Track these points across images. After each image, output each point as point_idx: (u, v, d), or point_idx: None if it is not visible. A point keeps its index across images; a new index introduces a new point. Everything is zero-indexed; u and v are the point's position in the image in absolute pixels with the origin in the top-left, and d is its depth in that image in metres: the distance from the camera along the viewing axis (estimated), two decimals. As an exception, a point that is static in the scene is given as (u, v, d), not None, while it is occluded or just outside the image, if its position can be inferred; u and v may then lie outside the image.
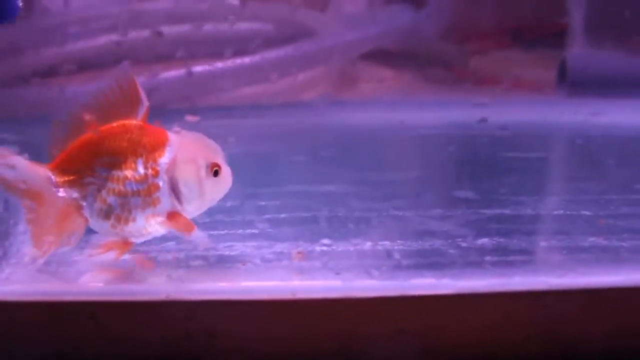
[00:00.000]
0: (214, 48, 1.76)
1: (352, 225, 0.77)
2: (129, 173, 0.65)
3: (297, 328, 0.65)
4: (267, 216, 0.79)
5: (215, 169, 0.67)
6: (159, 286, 0.66)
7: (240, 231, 0.75)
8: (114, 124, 0.65)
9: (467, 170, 0.92)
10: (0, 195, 0.63)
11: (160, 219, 0.66)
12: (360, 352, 0.65)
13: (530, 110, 1.21)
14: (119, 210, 0.65)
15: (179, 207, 0.67)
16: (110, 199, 0.65)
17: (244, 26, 1.83)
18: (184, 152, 0.66)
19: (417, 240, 0.74)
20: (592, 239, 0.73)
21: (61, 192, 0.64)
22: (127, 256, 0.67)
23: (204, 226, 0.69)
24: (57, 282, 0.66)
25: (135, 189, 0.65)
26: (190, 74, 1.20)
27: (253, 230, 0.76)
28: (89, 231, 0.66)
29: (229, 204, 0.78)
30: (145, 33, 1.68)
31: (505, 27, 1.91)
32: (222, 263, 0.70)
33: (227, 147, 0.68)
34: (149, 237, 0.68)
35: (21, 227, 0.63)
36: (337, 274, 0.67)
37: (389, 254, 0.72)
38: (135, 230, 0.66)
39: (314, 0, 1.90)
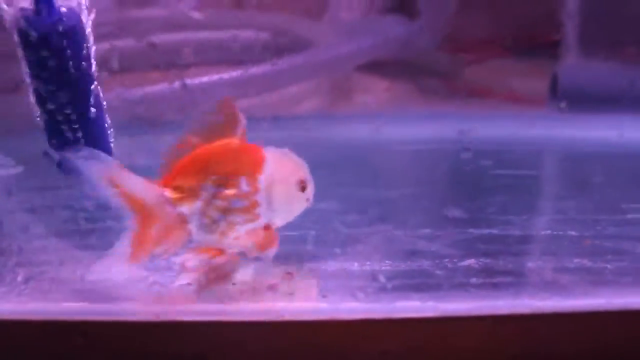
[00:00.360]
0: (209, 57, 1.77)
1: (340, 245, 0.77)
2: (234, 190, 0.68)
3: (284, 350, 0.65)
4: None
5: (302, 185, 0.71)
6: (147, 307, 0.66)
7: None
8: (218, 143, 0.68)
9: (457, 188, 0.92)
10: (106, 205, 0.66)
11: (259, 233, 0.70)
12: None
13: (522, 125, 1.22)
14: (224, 226, 0.68)
15: (272, 221, 0.70)
16: (217, 215, 0.68)
17: (239, 34, 1.84)
18: (279, 169, 0.70)
19: (404, 261, 0.74)
20: (577, 260, 0.73)
21: (171, 208, 0.67)
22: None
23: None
24: (50, 301, 0.67)
25: (239, 205, 0.68)
26: (184, 85, 1.20)
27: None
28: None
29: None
30: (139, 42, 1.69)
31: (500, 36, 1.92)
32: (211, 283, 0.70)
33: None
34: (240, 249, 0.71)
35: (125, 235, 0.66)
36: (324, 296, 0.67)
37: (375, 275, 0.72)
38: (235, 244, 0.69)
39: (310, 8, 1.91)
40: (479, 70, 1.82)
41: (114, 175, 0.65)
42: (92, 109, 0.80)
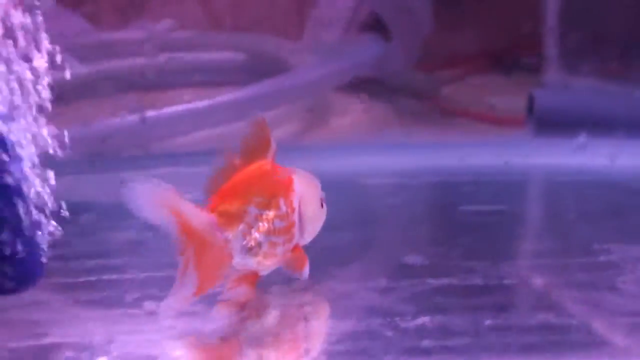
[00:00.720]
0: (184, 79, 1.71)
1: (286, 303, 0.71)
2: (275, 212, 0.68)
3: None
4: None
5: (322, 201, 0.72)
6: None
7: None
8: (254, 165, 0.68)
9: (421, 228, 0.86)
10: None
11: (288, 254, 0.70)
12: None
13: (497, 151, 1.15)
14: (267, 248, 0.68)
15: (300, 241, 0.71)
16: (261, 238, 0.67)
17: (216, 56, 1.78)
18: (305, 188, 0.71)
19: (353, 319, 0.67)
20: (541, 315, 0.67)
21: (220, 234, 0.66)
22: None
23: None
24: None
25: (280, 226, 0.68)
26: (143, 120, 1.13)
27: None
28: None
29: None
30: (120, 63, 1.64)
31: (480, 52, 1.86)
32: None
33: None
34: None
35: (185, 266, 0.64)
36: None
37: (320, 337, 0.66)
38: (269, 265, 0.69)
39: (289, 29, 1.86)
40: (459, 87, 1.76)
41: (173, 203, 0.63)
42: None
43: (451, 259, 0.78)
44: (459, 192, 0.98)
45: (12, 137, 0.66)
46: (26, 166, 0.68)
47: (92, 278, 0.76)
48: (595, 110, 1.26)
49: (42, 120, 0.74)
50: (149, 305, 0.68)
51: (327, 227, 0.74)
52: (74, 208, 0.99)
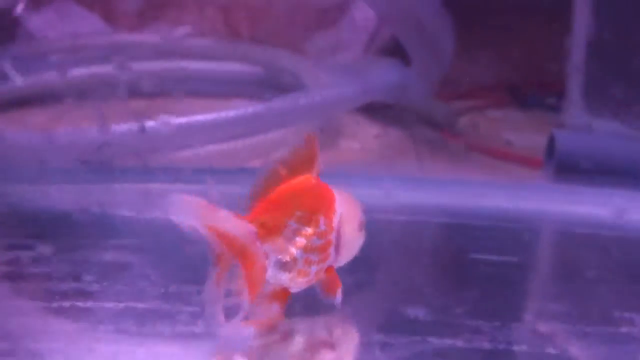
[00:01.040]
0: (197, 88, 1.66)
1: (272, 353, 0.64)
2: (314, 229, 0.66)
3: None
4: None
5: (362, 225, 0.70)
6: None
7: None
8: (298, 180, 0.66)
9: (427, 277, 0.78)
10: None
11: (322, 274, 0.68)
12: None
13: (512, 195, 1.08)
14: (301, 265, 0.66)
15: (334, 262, 0.69)
16: (297, 253, 0.66)
17: (233, 67, 1.73)
18: (347, 209, 0.69)
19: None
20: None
21: (260, 245, 0.64)
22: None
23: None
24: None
25: (317, 244, 0.67)
26: (142, 129, 1.07)
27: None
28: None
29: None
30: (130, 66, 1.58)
31: (502, 84, 1.80)
32: None
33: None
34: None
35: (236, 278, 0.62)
36: None
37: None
38: (301, 283, 0.67)
39: (310, 43, 1.80)
40: (479, 119, 1.70)
41: (208, 215, 0.62)
42: None
43: (457, 315, 0.70)
44: (470, 237, 0.90)
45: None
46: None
47: (66, 304, 0.69)
48: (622, 157, 1.19)
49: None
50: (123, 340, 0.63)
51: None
52: (58, 219, 0.94)
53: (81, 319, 0.67)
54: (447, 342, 0.65)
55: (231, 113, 1.16)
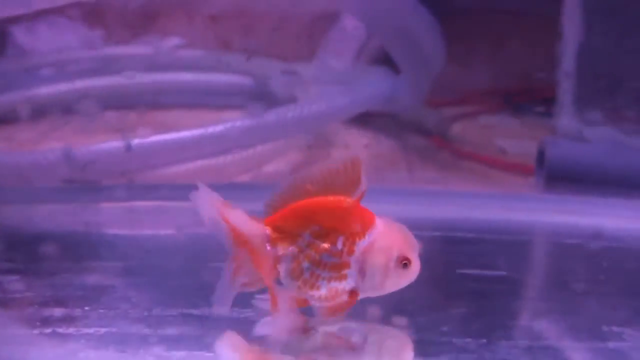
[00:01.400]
0: (187, 99, 1.65)
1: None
2: (327, 246, 0.68)
3: None
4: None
5: (404, 262, 0.69)
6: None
7: None
8: (331, 198, 0.68)
9: (412, 291, 0.77)
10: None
11: (342, 295, 0.69)
12: None
13: (502, 204, 1.07)
14: (308, 276, 0.68)
15: (360, 288, 0.69)
16: (304, 264, 0.68)
17: (224, 78, 1.72)
18: (382, 240, 0.69)
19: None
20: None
21: (267, 244, 0.68)
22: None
23: None
24: None
25: (327, 261, 0.68)
26: (129, 147, 1.06)
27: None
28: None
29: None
30: (119, 79, 1.58)
31: (494, 90, 1.79)
32: None
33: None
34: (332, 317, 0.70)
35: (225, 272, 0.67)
36: None
37: None
38: (316, 297, 0.69)
39: (300, 52, 1.80)
40: (470, 127, 1.69)
41: (223, 211, 0.67)
42: None
43: (443, 333, 0.69)
44: (459, 251, 0.89)
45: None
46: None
47: (47, 330, 0.68)
48: (613, 166, 1.18)
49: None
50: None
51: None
52: (41, 241, 0.93)
53: (62, 345, 0.66)
54: (432, 361, 0.64)
55: (218, 128, 1.15)
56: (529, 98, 1.68)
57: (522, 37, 1.63)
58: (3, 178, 1.03)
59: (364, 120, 1.56)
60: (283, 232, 0.68)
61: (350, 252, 0.68)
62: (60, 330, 0.68)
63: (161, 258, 0.88)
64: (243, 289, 0.69)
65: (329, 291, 0.68)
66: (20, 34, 1.65)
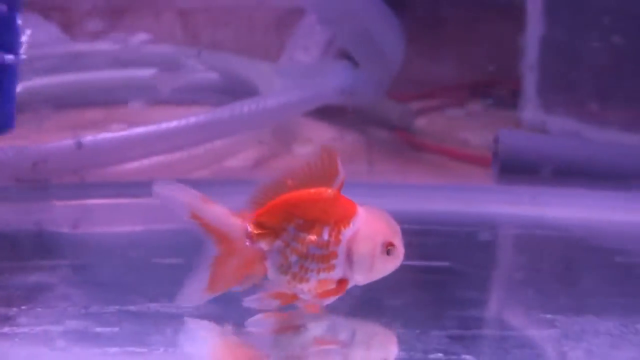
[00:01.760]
0: (151, 96, 1.65)
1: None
2: (313, 238, 0.68)
3: None
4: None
5: (389, 248, 0.70)
6: None
7: None
8: (312, 190, 0.68)
9: (355, 286, 0.79)
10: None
11: (331, 285, 0.69)
12: None
13: (458, 196, 1.08)
14: (297, 269, 0.69)
15: (349, 277, 0.70)
16: (292, 258, 0.69)
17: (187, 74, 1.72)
18: (367, 227, 0.69)
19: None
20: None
21: (252, 244, 0.68)
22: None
23: None
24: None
25: (315, 252, 0.69)
26: (79, 145, 1.06)
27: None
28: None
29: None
30: (89, 75, 1.57)
31: (459, 82, 1.80)
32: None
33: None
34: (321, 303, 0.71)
35: (204, 265, 0.67)
36: None
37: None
38: (306, 290, 0.69)
39: (268, 48, 1.80)
40: (436, 120, 1.70)
41: (196, 208, 0.67)
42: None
43: (381, 324, 0.71)
44: (405, 243, 0.91)
45: None
46: None
47: (-19, 330, 0.69)
48: (569, 157, 1.19)
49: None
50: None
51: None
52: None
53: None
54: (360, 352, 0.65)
55: (172, 124, 1.16)
56: (495, 90, 1.70)
57: (489, 30, 1.64)
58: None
59: (327, 113, 1.57)
60: (266, 228, 0.68)
61: (337, 242, 0.68)
62: (-7, 331, 0.69)
63: (107, 256, 0.88)
64: (225, 289, 0.68)
65: (319, 283, 0.69)
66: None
